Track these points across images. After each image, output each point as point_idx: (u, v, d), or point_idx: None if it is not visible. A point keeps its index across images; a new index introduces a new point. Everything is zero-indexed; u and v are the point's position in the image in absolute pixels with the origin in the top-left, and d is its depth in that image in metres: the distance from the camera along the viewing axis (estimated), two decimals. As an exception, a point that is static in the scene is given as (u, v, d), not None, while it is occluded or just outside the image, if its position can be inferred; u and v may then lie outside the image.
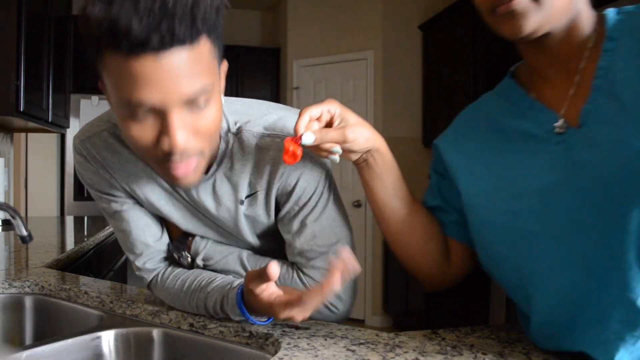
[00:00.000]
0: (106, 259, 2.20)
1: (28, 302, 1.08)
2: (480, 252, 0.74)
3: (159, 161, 0.67)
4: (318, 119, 0.72)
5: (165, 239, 0.92)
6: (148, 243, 0.89)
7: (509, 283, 0.71)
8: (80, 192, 4.17)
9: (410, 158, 4.07)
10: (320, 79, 4.25)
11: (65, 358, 0.80)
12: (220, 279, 0.85)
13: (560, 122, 0.65)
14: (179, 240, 0.91)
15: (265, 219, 0.86)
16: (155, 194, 0.85)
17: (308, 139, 0.68)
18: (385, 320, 3.98)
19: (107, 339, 0.86)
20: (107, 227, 2.28)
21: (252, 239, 0.89)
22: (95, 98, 4.17)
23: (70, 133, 4.08)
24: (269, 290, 0.69)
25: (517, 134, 0.69)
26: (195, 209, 0.86)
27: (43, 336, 1.03)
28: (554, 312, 0.64)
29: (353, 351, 0.68)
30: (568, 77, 0.66)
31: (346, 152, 0.74)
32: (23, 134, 3.98)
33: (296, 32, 4.35)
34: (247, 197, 0.83)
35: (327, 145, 0.70)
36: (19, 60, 2.06)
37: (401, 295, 3.62)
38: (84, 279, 1.11)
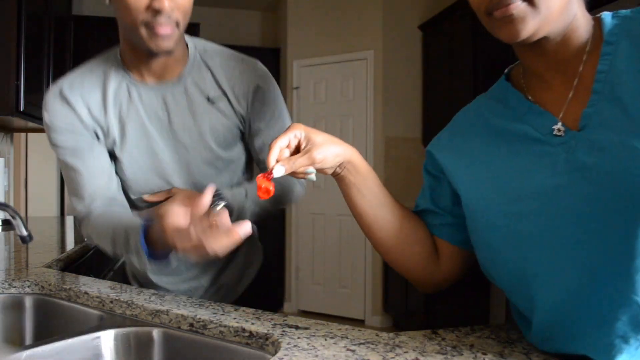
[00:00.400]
0: (106, 259, 2.20)
1: (28, 302, 1.08)
2: (481, 254, 0.74)
3: (146, 24, 0.89)
4: (288, 146, 0.74)
5: (114, 186, 1.05)
6: (100, 185, 1.03)
7: (510, 285, 0.70)
8: (80, 192, 4.18)
9: (410, 158, 4.07)
10: (320, 79, 4.25)
11: (65, 358, 0.80)
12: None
13: (559, 125, 0.65)
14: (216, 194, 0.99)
15: (231, 118, 1.05)
16: (136, 119, 1.02)
17: (278, 172, 0.72)
18: (385, 320, 3.98)
19: (107, 339, 0.86)
20: (107, 227, 2.28)
21: (215, 145, 1.05)
22: (95, 98, 4.16)
23: (70, 133, 4.08)
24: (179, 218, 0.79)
25: (515, 136, 0.69)
26: (170, 126, 1.04)
27: (43, 336, 1.03)
28: (556, 314, 0.64)
29: (353, 351, 0.68)
30: (566, 80, 0.66)
31: (319, 170, 0.76)
32: (23, 134, 3.98)
33: (296, 32, 4.35)
34: (215, 96, 1.04)
35: (300, 170, 0.73)
36: (19, 60, 2.06)
37: (401, 295, 3.62)
38: (84, 279, 1.11)
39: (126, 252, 0.95)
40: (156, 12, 0.87)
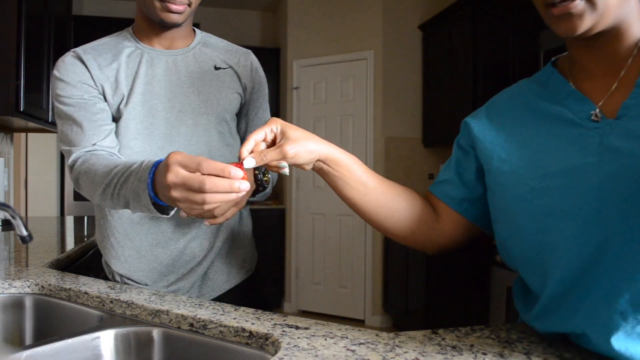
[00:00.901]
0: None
1: (28, 302, 1.08)
2: (502, 229, 0.77)
3: (162, 1, 1.01)
4: (265, 139, 0.77)
5: (113, 143, 1.07)
6: (99, 137, 1.05)
7: (526, 259, 0.73)
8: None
9: (410, 158, 4.07)
10: (320, 79, 4.25)
11: (65, 358, 0.80)
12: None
13: (597, 111, 0.67)
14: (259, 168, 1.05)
15: (237, 89, 1.16)
16: (145, 78, 1.09)
17: (249, 163, 0.73)
18: (385, 320, 3.98)
19: (107, 339, 0.86)
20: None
21: (221, 109, 1.13)
22: (95, 98, 4.16)
23: (70, 133, 4.08)
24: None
25: (553, 117, 0.72)
26: (178, 87, 1.10)
27: (43, 336, 1.03)
28: (566, 287, 0.66)
29: (353, 351, 0.68)
30: (613, 73, 0.69)
31: (295, 165, 0.77)
32: (23, 134, 3.98)
33: (296, 32, 4.35)
34: (222, 66, 1.15)
35: (273, 163, 0.75)
36: (19, 60, 2.06)
37: (401, 295, 3.62)
38: (84, 279, 1.11)
39: (117, 194, 0.91)
40: None
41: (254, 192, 1.04)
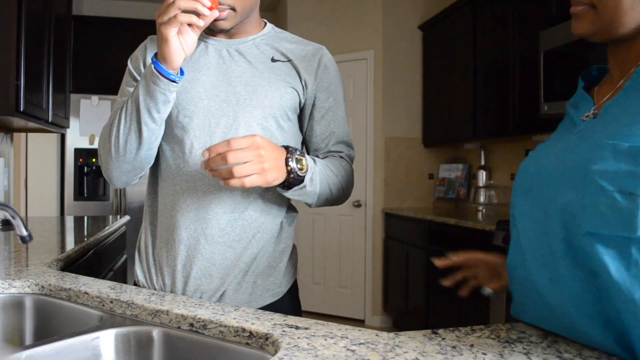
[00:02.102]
0: (106, 259, 2.20)
1: (28, 302, 1.08)
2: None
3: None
4: None
5: None
6: None
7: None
8: (80, 192, 4.18)
9: (410, 158, 4.07)
10: (320, 79, 4.25)
11: (65, 358, 0.80)
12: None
13: (591, 112, 0.72)
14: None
15: (293, 84, 1.08)
16: (194, 65, 1.07)
17: None
18: (385, 320, 3.98)
19: (107, 339, 0.86)
20: (107, 227, 2.28)
21: (269, 102, 1.05)
22: (95, 98, 4.17)
23: (70, 133, 4.09)
24: None
25: (566, 118, 0.79)
26: (227, 75, 1.06)
27: (43, 336, 1.03)
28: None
29: (353, 351, 0.68)
30: (623, 77, 0.72)
31: None
32: (23, 134, 3.98)
33: (296, 32, 4.34)
34: (278, 60, 1.09)
35: None
36: (19, 60, 2.06)
37: (401, 295, 3.62)
38: (84, 279, 1.11)
39: (128, 109, 0.98)
40: None
41: (288, 185, 0.95)
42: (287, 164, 0.92)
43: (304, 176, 0.95)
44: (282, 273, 1.11)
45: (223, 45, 1.09)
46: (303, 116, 1.13)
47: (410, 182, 4.07)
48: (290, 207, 1.15)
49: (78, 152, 4.14)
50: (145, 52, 1.12)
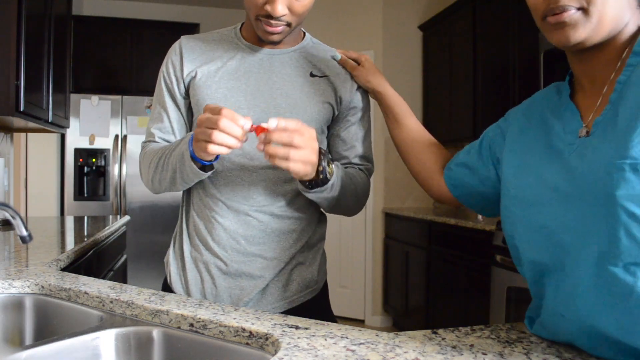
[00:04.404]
0: (106, 259, 2.20)
1: (28, 302, 1.08)
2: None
3: (260, 18, 0.97)
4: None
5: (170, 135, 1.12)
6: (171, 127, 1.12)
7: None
8: (80, 192, 4.18)
9: (410, 158, 4.07)
10: (320, 79, 4.25)
11: (65, 358, 0.80)
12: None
13: (583, 130, 0.68)
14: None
15: (328, 98, 1.09)
16: (222, 74, 1.07)
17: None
18: (385, 320, 3.98)
19: (107, 339, 0.86)
20: (107, 227, 2.28)
21: (305, 116, 1.05)
22: (95, 98, 4.17)
23: (70, 133, 4.09)
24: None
25: (549, 128, 0.74)
26: (266, 85, 1.06)
27: (43, 336, 1.03)
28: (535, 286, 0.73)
29: (353, 351, 0.68)
30: (599, 87, 0.69)
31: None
32: (23, 134, 3.98)
33: (296, 32, 4.35)
34: (317, 74, 1.10)
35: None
36: (19, 60, 2.06)
37: (401, 295, 3.62)
38: (84, 279, 1.11)
39: (166, 162, 1.00)
40: (268, 15, 0.96)
41: (314, 184, 0.96)
42: (319, 164, 0.94)
43: (330, 179, 0.97)
44: (317, 270, 1.14)
45: (264, 54, 1.08)
46: (332, 125, 1.14)
47: (411, 182, 4.06)
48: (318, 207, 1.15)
49: (78, 152, 4.14)
50: (181, 61, 1.09)
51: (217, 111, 0.84)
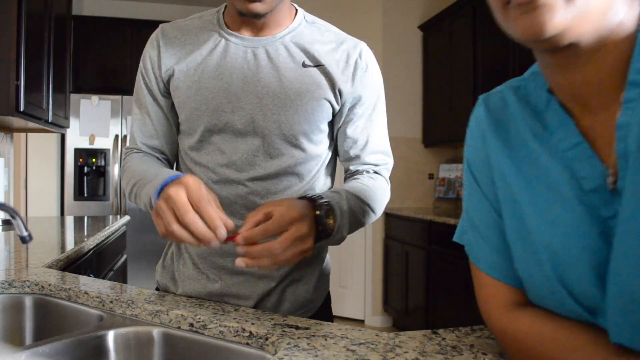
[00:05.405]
0: (106, 259, 2.20)
1: (28, 302, 1.08)
2: None
3: None
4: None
5: (158, 142, 1.03)
6: (152, 135, 1.02)
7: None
8: (80, 192, 4.18)
9: (411, 158, 4.07)
10: (320, 79, 4.25)
11: (66, 358, 0.80)
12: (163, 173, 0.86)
13: (609, 178, 0.49)
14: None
15: (325, 91, 0.94)
16: (202, 70, 0.94)
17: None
18: (385, 320, 3.98)
19: (107, 339, 0.86)
20: (107, 227, 2.28)
21: (300, 116, 0.93)
22: (95, 98, 4.17)
23: (70, 133, 4.09)
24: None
25: (551, 173, 0.54)
26: (254, 82, 0.93)
27: (43, 336, 1.03)
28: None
29: (353, 351, 0.68)
30: (607, 105, 0.50)
31: None
32: (23, 134, 3.98)
33: (296, 32, 4.35)
34: (311, 64, 0.94)
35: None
36: (19, 60, 2.06)
37: (401, 295, 3.62)
38: (84, 279, 1.11)
39: (138, 196, 0.92)
40: None
41: (317, 238, 0.83)
42: (317, 224, 0.82)
43: (334, 230, 0.85)
44: (312, 287, 1.02)
45: (248, 45, 0.95)
46: (335, 120, 1.00)
47: (410, 182, 4.07)
48: None
49: (78, 152, 4.14)
50: (159, 56, 0.98)
51: (194, 199, 0.73)
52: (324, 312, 1.07)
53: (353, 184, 0.97)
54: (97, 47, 4.38)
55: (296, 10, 0.99)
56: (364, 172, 1.02)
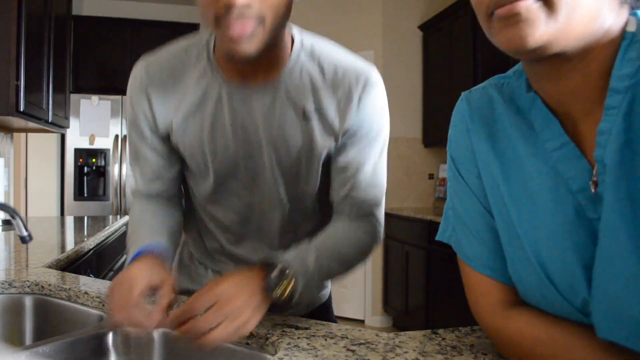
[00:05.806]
0: (106, 259, 2.20)
1: (28, 302, 1.08)
2: None
3: (218, 20, 0.69)
4: None
5: (164, 185, 0.96)
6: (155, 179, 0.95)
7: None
8: (80, 192, 4.18)
9: (411, 158, 4.07)
10: (320, 79, 4.24)
11: (65, 358, 0.80)
12: (148, 239, 0.86)
13: (594, 178, 0.50)
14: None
15: (324, 141, 0.85)
16: (200, 122, 0.85)
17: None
18: (385, 320, 3.98)
19: (107, 339, 0.86)
20: (107, 227, 2.28)
21: (296, 174, 0.88)
22: (95, 98, 4.17)
23: (70, 133, 4.09)
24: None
25: (539, 174, 0.55)
26: (239, 134, 0.84)
27: (43, 336, 1.03)
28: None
29: (353, 351, 0.68)
30: (591, 110, 0.51)
31: None
32: (23, 134, 3.98)
33: (296, 32, 4.35)
34: (312, 111, 0.83)
35: None
36: (19, 60, 2.06)
37: (401, 295, 3.62)
38: (84, 279, 1.11)
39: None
40: (227, 6, 0.66)
41: (279, 308, 0.75)
42: (267, 294, 0.72)
43: (289, 295, 0.75)
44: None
45: (238, 99, 0.83)
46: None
47: (410, 182, 4.06)
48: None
49: (78, 152, 4.14)
50: (151, 110, 0.87)
51: (112, 308, 0.75)
52: (324, 312, 1.07)
53: (327, 238, 0.87)
54: (97, 47, 4.38)
55: (292, 40, 0.84)
56: (347, 215, 0.90)
